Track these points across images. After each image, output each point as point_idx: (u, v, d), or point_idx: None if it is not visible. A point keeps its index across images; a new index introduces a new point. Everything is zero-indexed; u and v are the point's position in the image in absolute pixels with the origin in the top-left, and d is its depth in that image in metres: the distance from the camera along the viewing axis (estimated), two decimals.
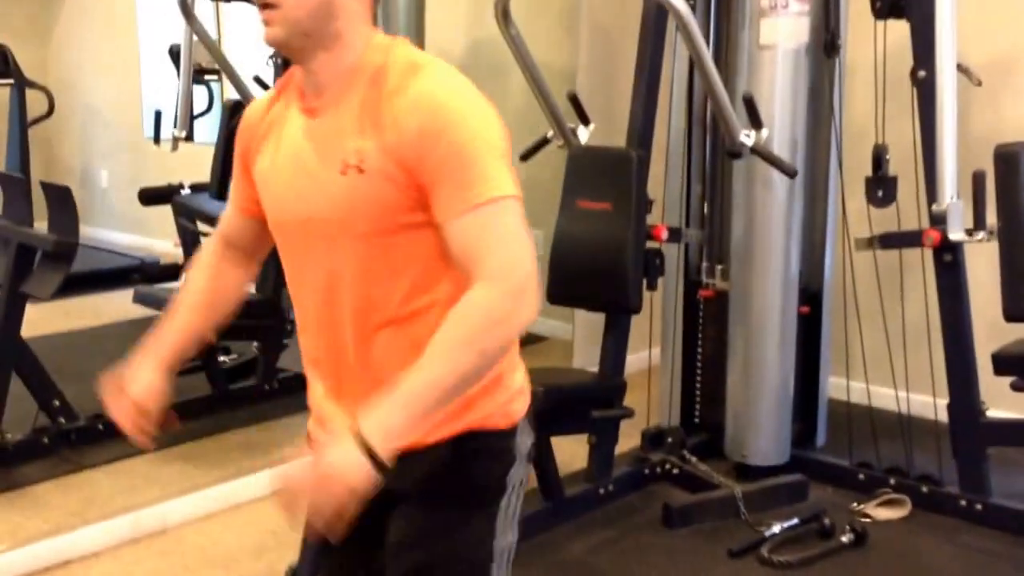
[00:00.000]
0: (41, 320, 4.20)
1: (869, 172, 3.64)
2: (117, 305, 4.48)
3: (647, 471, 3.79)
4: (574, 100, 3.87)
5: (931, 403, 3.68)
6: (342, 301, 1.61)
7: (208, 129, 5.30)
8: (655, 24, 3.65)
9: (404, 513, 1.65)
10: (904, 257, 3.76)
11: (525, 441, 1.71)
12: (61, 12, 7.32)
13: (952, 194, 3.33)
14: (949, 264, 3.46)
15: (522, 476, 1.70)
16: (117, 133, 7.23)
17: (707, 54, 3.46)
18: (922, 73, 3.43)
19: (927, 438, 3.67)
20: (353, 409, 1.53)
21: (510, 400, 1.69)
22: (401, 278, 1.58)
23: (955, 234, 3.34)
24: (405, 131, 1.51)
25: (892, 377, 3.72)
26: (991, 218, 3.34)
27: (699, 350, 4.08)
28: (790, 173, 3.57)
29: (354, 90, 1.57)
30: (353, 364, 1.63)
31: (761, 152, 3.54)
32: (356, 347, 1.62)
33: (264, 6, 1.57)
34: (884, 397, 3.82)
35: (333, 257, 1.60)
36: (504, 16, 3.61)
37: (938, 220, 3.39)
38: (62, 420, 3.87)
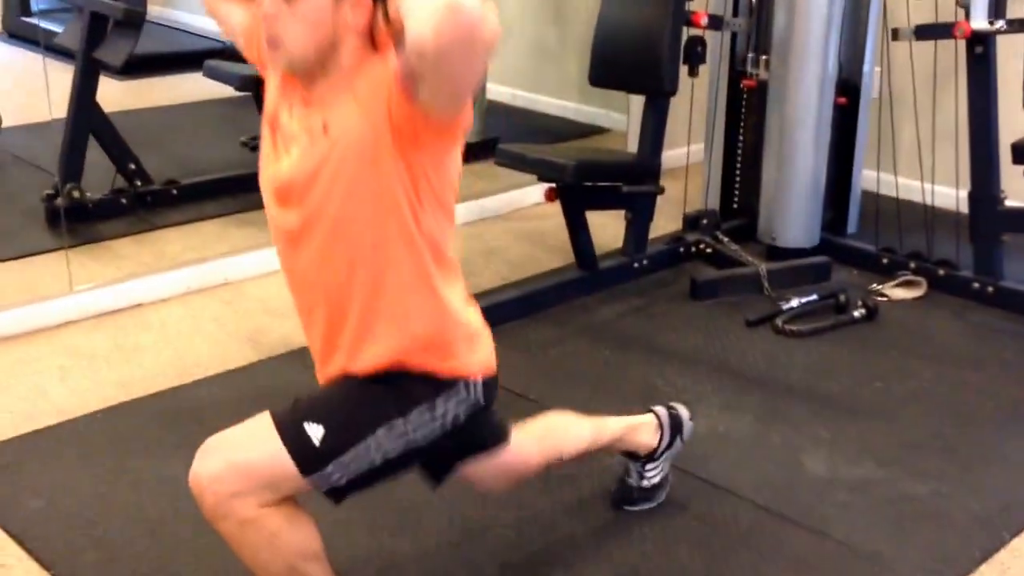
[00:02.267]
0: (124, 97, 4.47)
1: None
2: (200, 85, 4.69)
3: (681, 250, 4.01)
4: None
5: (955, 195, 3.82)
6: None
7: None
8: None
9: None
10: (941, 55, 3.83)
11: (471, 395, 1.91)
12: None
13: None
14: (979, 56, 3.54)
15: (451, 410, 1.88)
16: None
17: None
18: None
19: (949, 227, 3.83)
20: None
21: (455, 370, 1.88)
22: None
23: (977, 23, 3.40)
24: None
25: (920, 169, 3.84)
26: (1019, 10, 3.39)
27: (740, 139, 4.21)
28: None
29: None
30: None
31: None
32: None
33: (269, 44, 1.76)
34: (913, 189, 3.96)
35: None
36: None
37: (967, 10, 3.45)
38: (138, 183, 4.18)
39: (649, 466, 2.50)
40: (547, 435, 2.27)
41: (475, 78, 1.63)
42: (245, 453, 1.78)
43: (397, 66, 1.65)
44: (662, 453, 2.50)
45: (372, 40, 1.75)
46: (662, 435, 2.48)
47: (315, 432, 1.76)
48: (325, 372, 1.92)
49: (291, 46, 1.73)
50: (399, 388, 1.85)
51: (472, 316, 1.95)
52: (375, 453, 1.82)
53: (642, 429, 2.46)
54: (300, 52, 1.73)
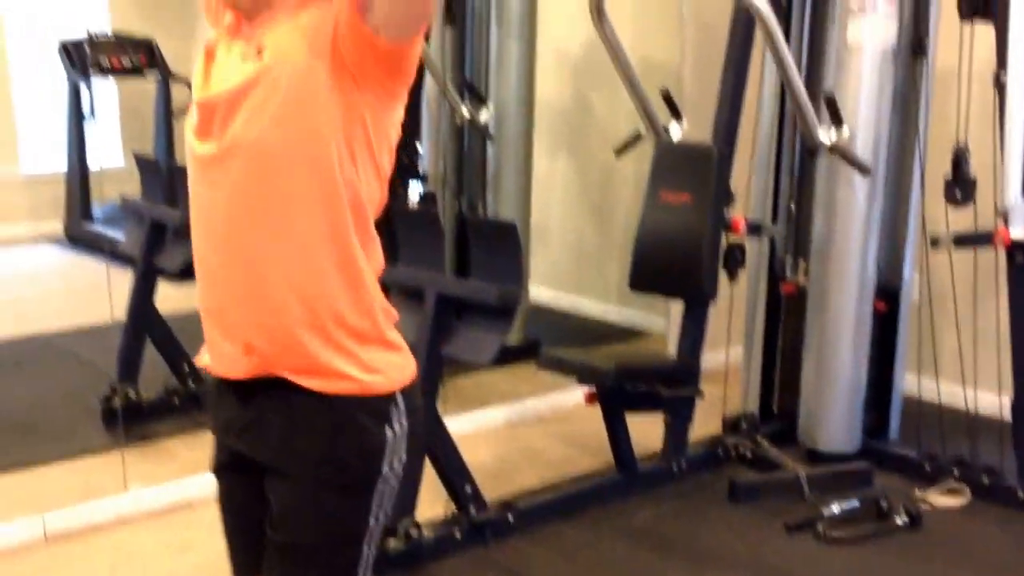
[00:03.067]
0: (177, 298, 4.63)
1: None
2: None
3: (721, 453, 4.01)
4: (667, 97, 4.04)
5: (998, 402, 3.82)
6: None
7: None
8: (743, 22, 3.82)
9: (282, 489, 1.71)
10: (981, 261, 3.88)
11: (399, 425, 1.71)
12: None
13: (1017, 193, 3.45)
14: (1021, 266, 3.58)
15: (397, 465, 1.73)
16: None
17: (786, 52, 3.58)
18: (1004, 76, 3.56)
19: (993, 434, 3.80)
20: None
21: (377, 369, 1.69)
22: None
23: (1017, 231, 3.47)
24: None
25: (961, 375, 3.84)
26: None
27: (779, 342, 4.25)
28: (865, 171, 3.73)
29: None
30: None
31: (839, 150, 3.71)
32: None
33: None
34: (955, 395, 3.94)
35: None
36: (598, 13, 3.67)
37: (1005, 219, 3.52)
38: (191, 383, 4.28)
39: None
40: None
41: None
42: None
43: None
44: None
45: None
46: None
47: None
48: (220, 346, 1.72)
49: None
50: (338, 474, 1.68)
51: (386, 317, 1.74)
52: (372, 551, 1.76)
53: None
54: None
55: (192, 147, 1.69)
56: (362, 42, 1.56)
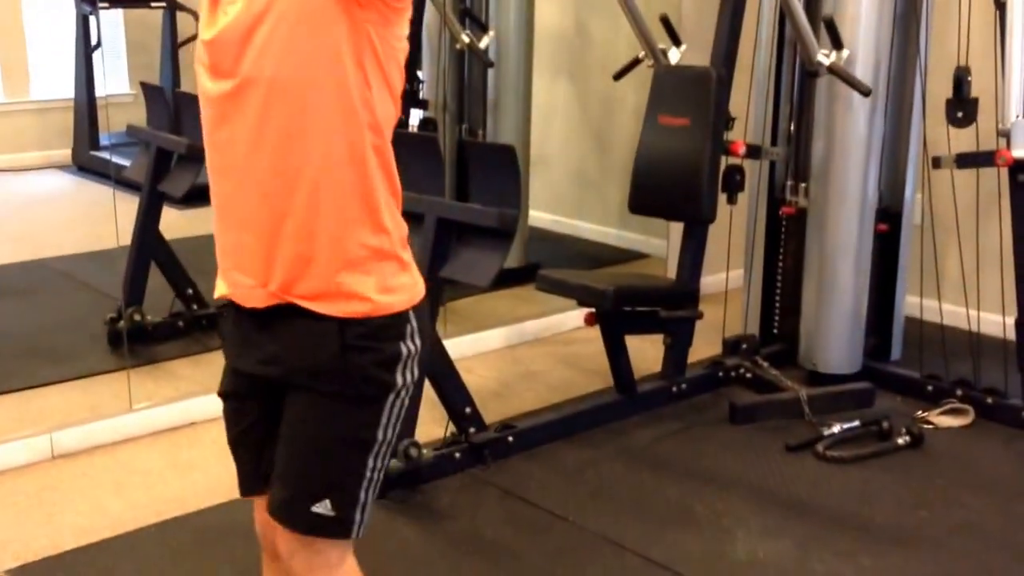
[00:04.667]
0: (181, 224, 4.66)
1: None
2: None
3: (720, 374, 4.03)
4: (666, 22, 4.02)
5: (1001, 322, 3.82)
6: None
7: None
8: None
9: (296, 401, 1.76)
10: (983, 181, 3.86)
11: (412, 343, 1.75)
12: None
13: (1018, 112, 3.43)
14: (1022, 184, 3.56)
15: (410, 379, 1.77)
16: None
17: None
18: None
19: (996, 354, 3.80)
20: None
21: (391, 288, 1.72)
22: None
23: (1018, 151, 3.45)
24: None
25: (964, 295, 3.84)
26: None
27: (780, 265, 4.25)
28: (864, 91, 3.70)
29: None
30: None
31: (837, 71, 3.69)
32: None
33: None
34: (958, 316, 3.95)
35: None
36: None
37: (1007, 139, 3.50)
38: (195, 307, 4.33)
39: None
40: None
41: None
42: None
43: None
44: None
45: None
46: None
47: (325, 508, 1.76)
48: (237, 278, 1.76)
49: None
50: (351, 385, 1.72)
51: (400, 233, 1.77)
52: (378, 473, 1.81)
53: None
54: None
55: (206, 88, 1.70)
56: None
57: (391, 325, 1.73)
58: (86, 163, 5.37)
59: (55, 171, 5.50)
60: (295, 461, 1.78)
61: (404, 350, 1.74)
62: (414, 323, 1.75)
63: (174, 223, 4.39)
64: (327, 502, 1.75)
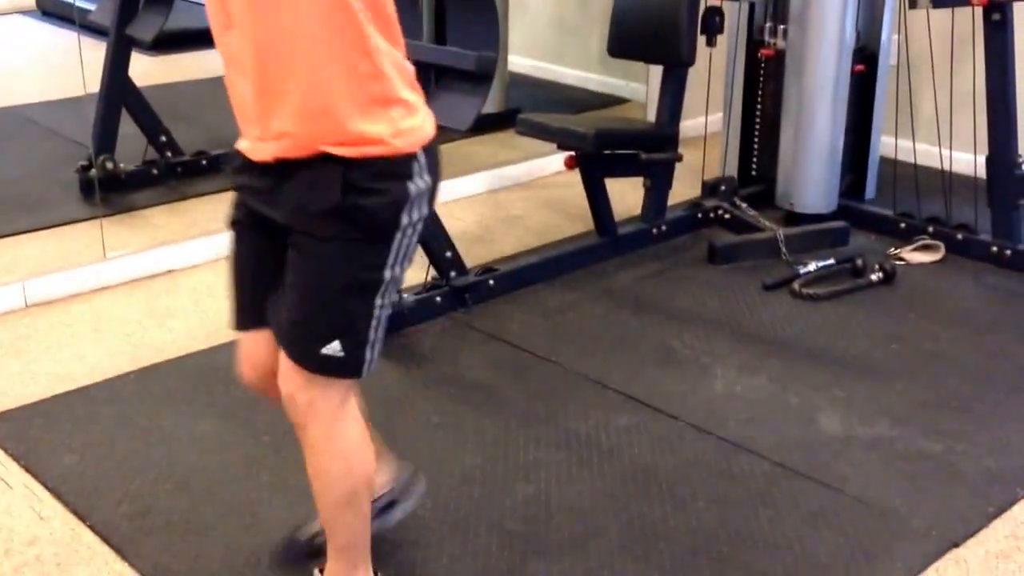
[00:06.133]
0: (155, 71, 4.57)
1: None
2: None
3: (699, 215, 4.06)
4: None
5: (973, 160, 3.86)
6: None
7: None
8: None
9: (303, 242, 1.78)
10: (958, 22, 3.83)
11: (421, 180, 1.78)
12: None
13: None
14: (997, 23, 3.57)
15: (417, 217, 1.80)
16: None
17: None
18: None
19: (967, 192, 3.87)
20: None
21: (400, 132, 1.75)
22: None
23: None
24: None
25: (938, 135, 3.86)
26: None
27: (758, 107, 4.25)
28: None
29: None
30: None
31: None
32: None
33: None
34: (931, 155, 3.98)
35: None
36: None
37: None
38: (169, 154, 4.27)
39: None
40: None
41: None
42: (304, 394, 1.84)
43: None
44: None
45: None
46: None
47: (335, 350, 1.80)
48: (247, 129, 1.81)
49: None
50: (354, 228, 1.74)
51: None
52: (385, 310, 1.84)
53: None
54: None
55: (224, 46, 1.75)
56: None
57: (396, 166, 1.75)
58: (50, 7, 5.20)
59: (19, 15, 5.35)
60: (302, 306, 1.81)
61: (412, 189, 1.77)
62: (422, 160, 1.77)
63: (147, 70, 4.30)
64: (336, 344, 1.79)
